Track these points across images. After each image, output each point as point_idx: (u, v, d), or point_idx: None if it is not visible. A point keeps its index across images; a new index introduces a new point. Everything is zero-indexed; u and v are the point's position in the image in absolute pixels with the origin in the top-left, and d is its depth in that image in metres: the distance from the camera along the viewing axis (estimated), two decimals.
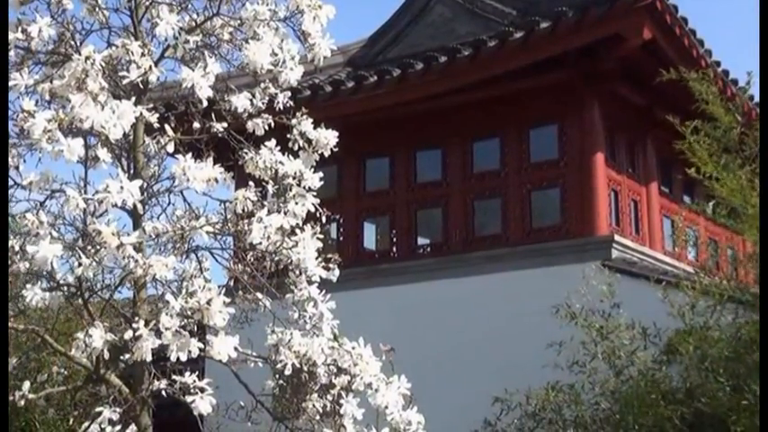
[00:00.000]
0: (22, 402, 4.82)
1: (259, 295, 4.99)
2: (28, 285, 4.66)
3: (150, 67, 4.69)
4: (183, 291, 4.48)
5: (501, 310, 12.15)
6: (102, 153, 4.76)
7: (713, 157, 9.26)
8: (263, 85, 5.35)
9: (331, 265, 5.04)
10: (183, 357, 4.35)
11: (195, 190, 4.74)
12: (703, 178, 9.27)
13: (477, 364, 11.97)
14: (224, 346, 4.52)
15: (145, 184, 4.86)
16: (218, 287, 4.52)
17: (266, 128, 5.39)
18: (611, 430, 9.58)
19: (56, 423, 10.61)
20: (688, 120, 9.53)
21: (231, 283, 4.97)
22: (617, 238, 12.48)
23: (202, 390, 4.52)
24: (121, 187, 4.35)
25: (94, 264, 4.41)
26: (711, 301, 9.42)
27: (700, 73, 9.74)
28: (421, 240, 13.95)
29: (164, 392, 4.66)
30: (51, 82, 4.80)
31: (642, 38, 11.99)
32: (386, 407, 4.77)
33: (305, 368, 4.83)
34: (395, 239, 13.97)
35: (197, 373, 4.65)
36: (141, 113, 4.78)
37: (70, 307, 5.00)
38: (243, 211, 4.89)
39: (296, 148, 5.33)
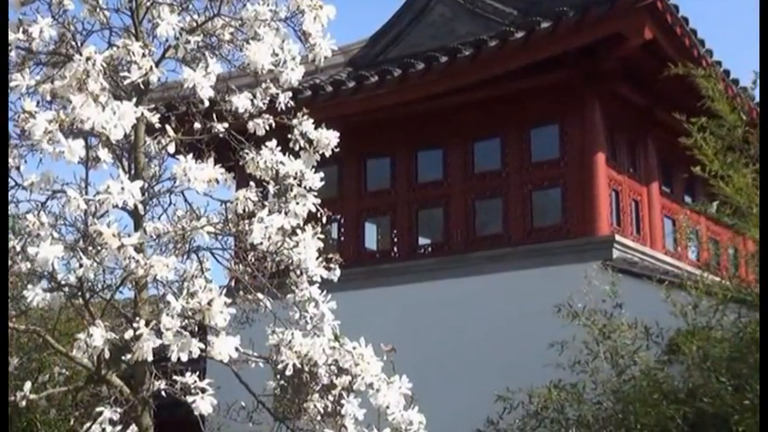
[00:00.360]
0: (24, 403, 4.82)
1: (260, 295, 4.99)
2: (29, 286, 4.66)
3: (151, 67, 4.69)
4: (184, 291, 4.48)
5: (502, 309, 12.15)
6: (103, 154, 4.76)
7: (718, 155, 9.24)
8: (263, 85, 5.35)
9: (332, 266, 5.04)
10: (184, 358, 4.36)
11: (196, 190, 4.75)
12: (709, 176, 9.24)
13: (479, 364, 11.96)
14: (225, 347, 4.52)
15: (146, 185, 4.86)
16: (219, 287, 4.53)
17: (267, 128, 5.40)
18: (613, 430, 9.57)
19: (57, 423, 10.60)
20: (689, 120, 9.51)
21: (232, 284, 4.97)
22: (618, 237, 12.48)
23: (203, 390, 4.52)
24: (122, 188, 4.35)
25: (95, 264, 4.41)
26: (714, 301, 9.42)
27: (708, 70, 9.73)
28: (422, 240, 13.94)
29: (164, 393, 4.66)
30: (52, 82, 4.80)
31: (643, 38, 11.99)
32: (387, 407, 4.76)
33: (306, 368, 4.83)
34: (396, 239, 13.97)
35: (198, 373, 4.65)
36: (142, 114, 4.78)
37: (71, 307, 5.00)
38: (244, 211, 4.90)
39: (297, 148, 5.33)
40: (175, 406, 4.71)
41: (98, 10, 5.16)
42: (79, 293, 4.76)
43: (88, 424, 4.61)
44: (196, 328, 4.45)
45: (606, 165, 12.85)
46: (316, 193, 5.12)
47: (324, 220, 5.10)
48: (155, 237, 4.83)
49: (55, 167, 4.71)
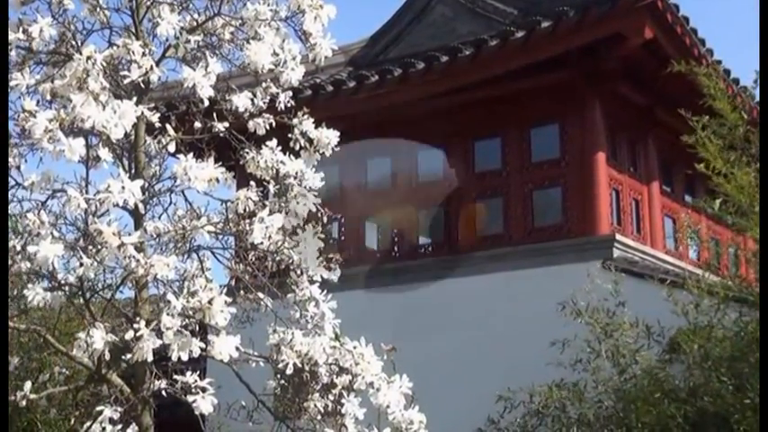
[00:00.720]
0: (24, 402, 4.82)
1: (260, 295, 4.99)
2: (29, 285, 4.66)
3: (151, 66, 4.68)
4: (185, 290, 4.48)
5: (503, 309, 12.15)
6: (104, 153, 4.76)
7: (720, 154, 9.23)
8: (264, 84, 5.35)
9: (332, 265, 5.03)
10: (185, 357, 4.35)
11: (196, 190, 4.74)
12: (712, 174, 9.23)
13: (480, 364, 11.96)
14: (225, 346, 4.51)
15: (146, 184, 4.86)
16: (220, 287, 4.52)
17: (267, 127, 5.39)
18: (614, 428, 9.57)
19: (57, 423, 10.61)
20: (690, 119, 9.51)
21: (232, 283, 4.97)
22: (618, 237, 12.47)
23: (204, 389, 4.51)
24: (123, 187, 4.35)
25: (96, 264, 4.41)
26: (715, 300, 9.42)
27: (710, 69, 9.72)
28: (422, 240, 13.94)
29: (165, 392, 4.66)
30: (52, 82, 4.80)
31: (643, 37, 11.99)
32: (387, 406, 4.76)
33: (306, 368, 4.83)
34: (396, 239, 13.96)
35: (198, 372, 4.64)
36: (142, 113, 4.78)
37: (72, 307, 5.00)
38: (244, 210, 4.89)
39: (297, 147, 5.33)
40: (176, 405, 4.70)
41: (98, 9, 5.16)
42: (79, 293, 4.76)
43: (88, 423, 4.61)
44: (197, 328, 4.45)
45: (606, 164, 12.85)
46: (316, 193, 5.12)
47: (324, 219, 5.10)
48: (155, 236, 4.83)
49: (55, 166, 4.72)
